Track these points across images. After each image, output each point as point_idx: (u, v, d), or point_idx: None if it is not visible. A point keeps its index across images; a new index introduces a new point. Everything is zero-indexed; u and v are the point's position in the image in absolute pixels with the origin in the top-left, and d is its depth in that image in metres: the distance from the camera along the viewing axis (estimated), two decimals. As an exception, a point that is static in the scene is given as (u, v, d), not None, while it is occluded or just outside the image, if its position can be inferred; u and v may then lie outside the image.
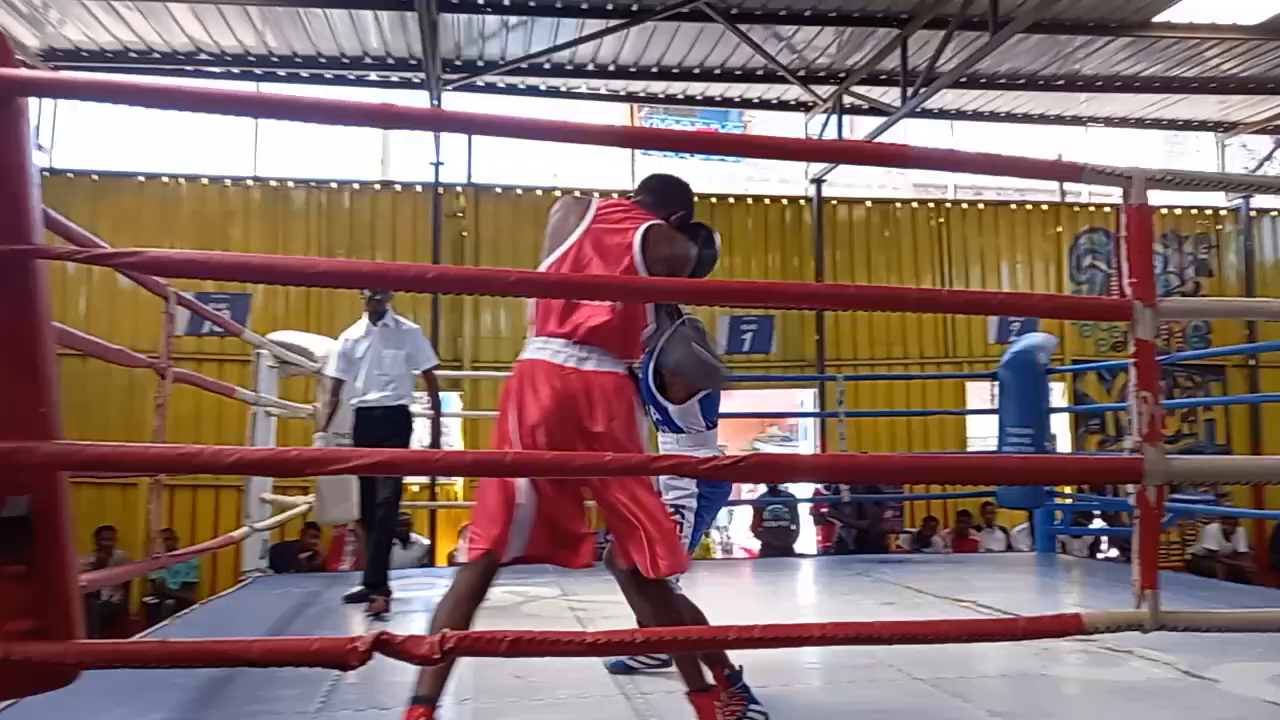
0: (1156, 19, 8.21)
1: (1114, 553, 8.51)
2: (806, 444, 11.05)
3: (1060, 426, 9.94)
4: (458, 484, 9.57)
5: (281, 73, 9.12)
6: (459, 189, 9.77)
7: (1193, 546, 9.82)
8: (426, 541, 8.71)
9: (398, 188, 9.79)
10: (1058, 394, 9.47)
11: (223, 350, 8.99)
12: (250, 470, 2.03)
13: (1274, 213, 11.43)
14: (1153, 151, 11.86)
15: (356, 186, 9.70)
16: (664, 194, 2.60)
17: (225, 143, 9.86)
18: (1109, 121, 10.81)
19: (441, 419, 4.96)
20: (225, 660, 1.66)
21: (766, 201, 10.51)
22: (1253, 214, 11.22)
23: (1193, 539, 9.94)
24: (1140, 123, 10.90)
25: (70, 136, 9.57)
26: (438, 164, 9.46)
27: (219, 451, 1.62)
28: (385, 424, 4.66)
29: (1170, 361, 10.05)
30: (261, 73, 9.07)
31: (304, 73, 9.14)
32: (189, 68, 8.98)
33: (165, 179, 9.41)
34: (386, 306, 4.81)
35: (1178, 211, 11.21)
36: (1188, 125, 11.13)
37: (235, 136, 9.72)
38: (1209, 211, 11.27)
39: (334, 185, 9.63)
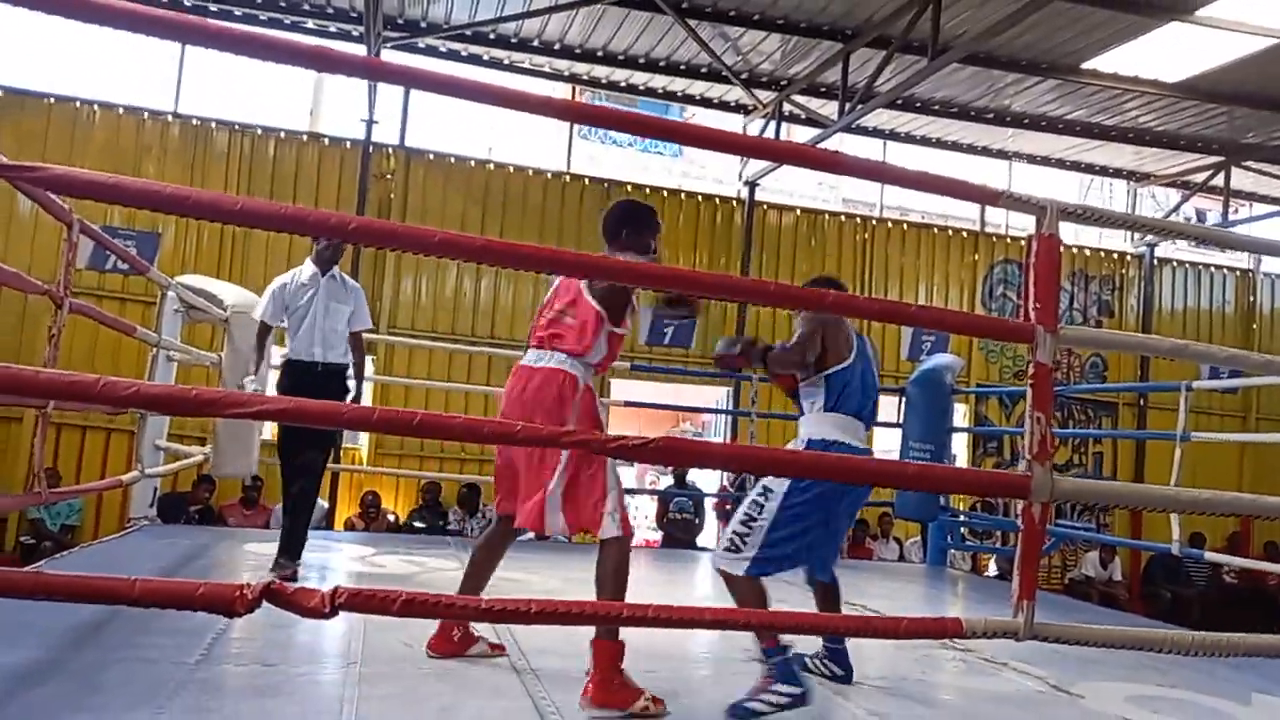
0: (1085, 65, 8.54)
1: (995, 571, 8.87)
2: (718, 441, 11.18)
3: (960, 446, 10.34)
4: (363, 448, 9.41)
5: (213, 8, 8.76)
6: (390, 150, 9.56)
7: (1072, 572, 10.31)
8: (325, 504, 8.52)
9: (326, 141, 9.52)
10: (960, 415, 9.82)
11: (126, 290, 8.63)
12: (147, 405, 1.95)
13: (1174, 263, 12.05)
14: (1069, 193, 12.35)
15: (282, 135, 9.39)
16: (610, 226, 2.99)
17: (146, 73, 9.44)
18: (1031, 159, 11.22)
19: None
20: (102, 596, 1.61)
21: (699, 199, 10.59)
22: (1155, 262, 11.81)
23: (1073, 564, 10.43)
24: (1061, 163, 11.34)
25: (-24, 47, 9.05)
26: (370, 121, 9.24)
27: (114, 382, 1.56)
28: (326, 383, 4.33)
29: (1067, 394, 10.53)
30: (191, 4, 8.69)
31: (237, 10, 8.78)
32: (116, -8, 8.56)
33: (77, 104, 8.94)
34: (339, 256, 4.52)
35: (1087, 252, 11.72)
36: (1104, 171, 11.63)
37: (157, 67, 9.31)
38: (1115, 255, 11.81)
39: (259, 131, 9.31)
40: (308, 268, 4.46)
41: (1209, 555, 5.38)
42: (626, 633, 2.59)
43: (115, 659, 2.74)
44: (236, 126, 9.27)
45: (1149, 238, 11.59)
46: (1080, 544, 9.79)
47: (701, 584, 5.55)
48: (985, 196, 2.17)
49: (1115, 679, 3.51)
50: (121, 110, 9.05)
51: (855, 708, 2.85)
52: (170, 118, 9.15)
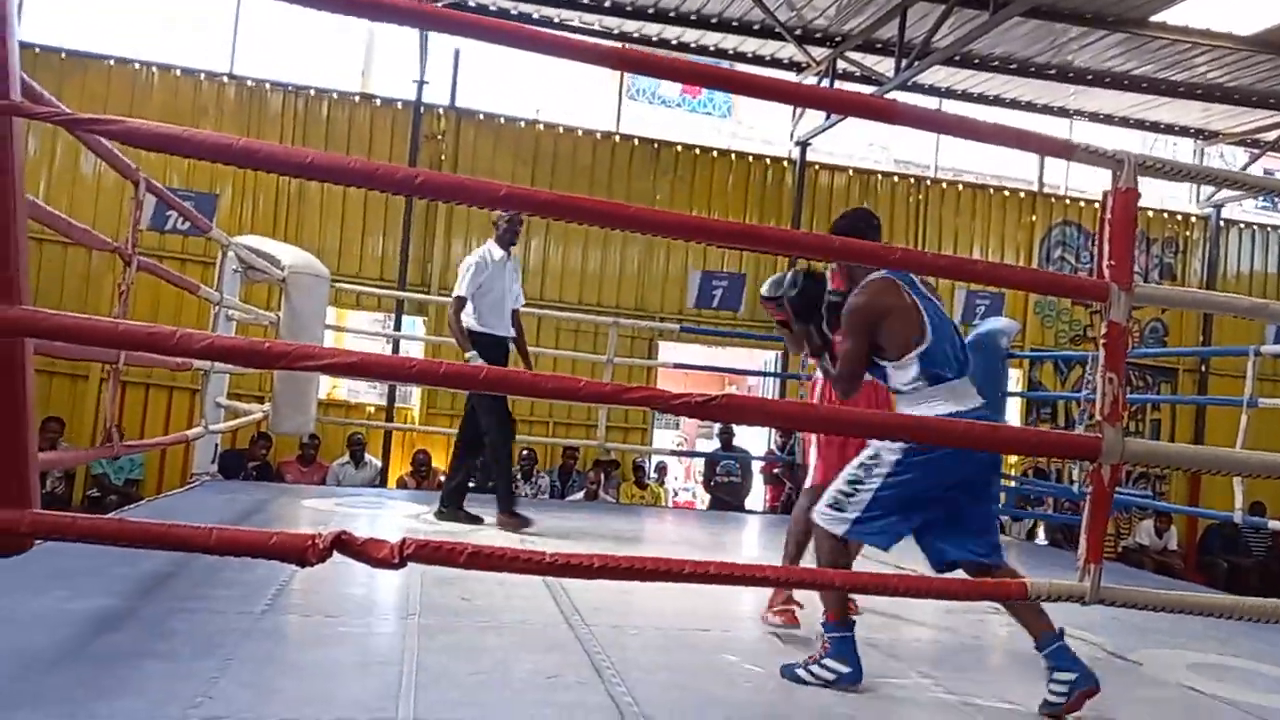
0: (1153, 18, 8.22)
1: (1044, 539, 8.75)
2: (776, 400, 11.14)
3: (1013, 411, 10.16)
4: (414, 408, 9.54)
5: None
6: (440, 110, 9.57)
7: (1126, 540, 10.14)
8: (379, 463, 8.69)
9: (378, 102, 9.55)
10: (1014, 380, 9.66)
11: (185, 250, 8.79)
12: (221, 356, 1.98)
13: (1241, 225, 11.65)
14: (1132, 150, 11.96)
15: (335, 96, 9.44)
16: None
17: (202, 35, 9.52)
18: (1094, 117, 10.87)
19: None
20: (180, 544, 1.65)
21: (750, 159, 10.45)
22: (1221, 224, 11.42)
23: (1127, 532, 10.25)
24: (1125, 121, 10.97)
25: (39, 7, 9.18)
26: (421, 81, 9.25)
27: (190, 334, 1.59)
28: (505, 355, 4.86)
29: (1132, 358, 10.28)
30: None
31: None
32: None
33: (136, 65, 9.07)
34: (515, 241, 4.95)
35: (1150, 214, 11.36)
36: (1170, 129, 11.22)
37: (212, 29, 9.39)
38: (1179, 217, 11.44)
39: (312, 92, 9.37)
40: (495, 249, 4.89)
41: (1273, 524, 5.24)
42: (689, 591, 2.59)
43: (183, 608, 2.83)
44: (290, 87, 9.34)
45: (1217, 197, 11.20)
46: (1135, 511, 9.61)
47: (748, 545, 5.57)
48: (1059, 149, 2.10)
49: (1174, 646, 3.45)
50: (179, 72, 9.16)
51: (908, 668, 2.85)
52: (226, 79, 9.24)
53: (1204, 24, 8.29)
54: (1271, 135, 10.55)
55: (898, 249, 2.05)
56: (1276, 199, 11.93)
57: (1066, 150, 2.09)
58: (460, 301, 4.79)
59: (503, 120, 9.74)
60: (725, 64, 10.89)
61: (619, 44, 10.16)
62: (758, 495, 9.37)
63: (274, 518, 4.86)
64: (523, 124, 9.79)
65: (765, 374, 10.54)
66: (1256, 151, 11.05)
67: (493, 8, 9.22)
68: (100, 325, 1.55)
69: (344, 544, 1.69)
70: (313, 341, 5.50)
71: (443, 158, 9.42)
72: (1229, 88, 9.82)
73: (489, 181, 1.75)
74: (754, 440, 9.64)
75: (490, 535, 4.65)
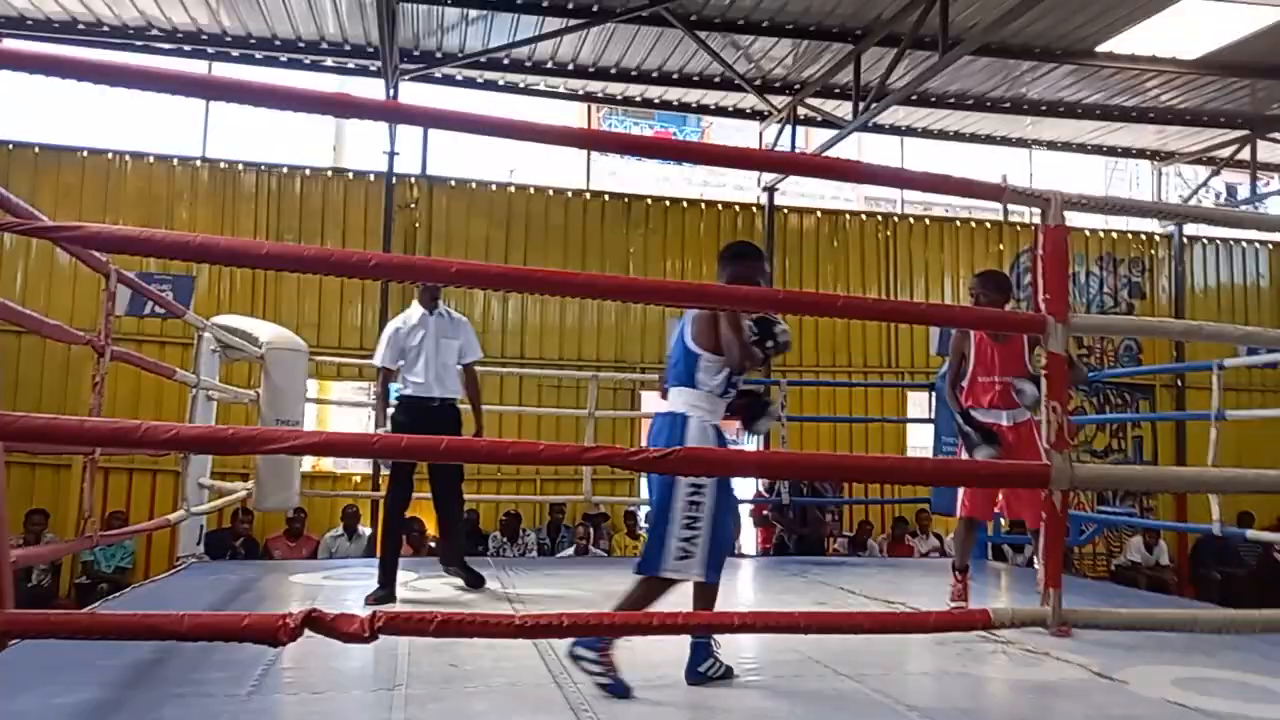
0: (1099, 48, 8.49)
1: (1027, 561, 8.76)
2: (751, 448, 11.18)
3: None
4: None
5: (234, 53, 9.00)
6: (413, 180, 9.73)
7: (1118, 558, 10.16)
8: (369, 530, 8.65)
9: (350, 175, 9.71)
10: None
11: (163, 333, 8.85)
12: (187, 447, 2.02)
13: (1204, 240, 11.87)
14: (1093, 176, 12.26)
15: (308, 172, 9.60)
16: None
17: (173, 121, 9.69)
18: (1052, 145, 11.14)
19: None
20: (154, 633, 1.68)
21: (719, 207, 10.64)
22: (1185, 241, 11.64)
23: (1118, 550, 10.28)
24: (1082, 148, 11.25)
25: (11, 106, 9.33)
26: (392, 154, 9.41)
27: (155, 427, 1.64)
28: (444, 418, 4.57)
29: (1102, 378, 10.40)
30: (214, 52, 8.94)
31: (258, 54, 9.03)
32: (139, 43, 8.81)
33: (110, 155, 9.22)
34: (439, 294, 4.80)
35: (1114, 235, 11.59)
36: (1126, 152, 11.51)
37: (184, 115, 9.56)
38: (1144, 236, 11.66)
39: (285, 170, 9.53)
40: (415, 309, 4.74)
41: (1251, 534, 5.29)
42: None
43: (172, 694, 2.83)
44: (263, 167, 9.49)
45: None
46: (1124, 529, 9.65)
47: (742, 590, 5.57)
48: (989, 192, 2.20)
49: (1161, 663, 3.46)
50: (152, 159, 9.30)
51: (896, 704, 2.86)
52: (199, 162, 9.39)
53: (1150, 50, 8.56)
54: (1226, 152, 10.81)
55: (840, 298, 2.13)
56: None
57: (997, 192, 2.18)
58: (384, 373, 4.69)
59: (474, 185, 9.91)
60: (691, 116, 11.16)
61: (585, 103, 10.42)
62: (748, 537, 9.36)
63: (262, 596, 4.85)
64: (494, 187, 9.95)
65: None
66: (1213, 168, 11.30)
67: (459, 77, 9.44)
68: (66, 425, 1.60)
69: (315, 621, 1.73)
70: (294, 416, 5.53)
71: (416, 225, 9.56)
72: (1180, 109, 10.10)
73: (439, 260, 1.83)
74: (743, 482, 9.65)
75: (470, 600, 4.66)
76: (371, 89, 8.98)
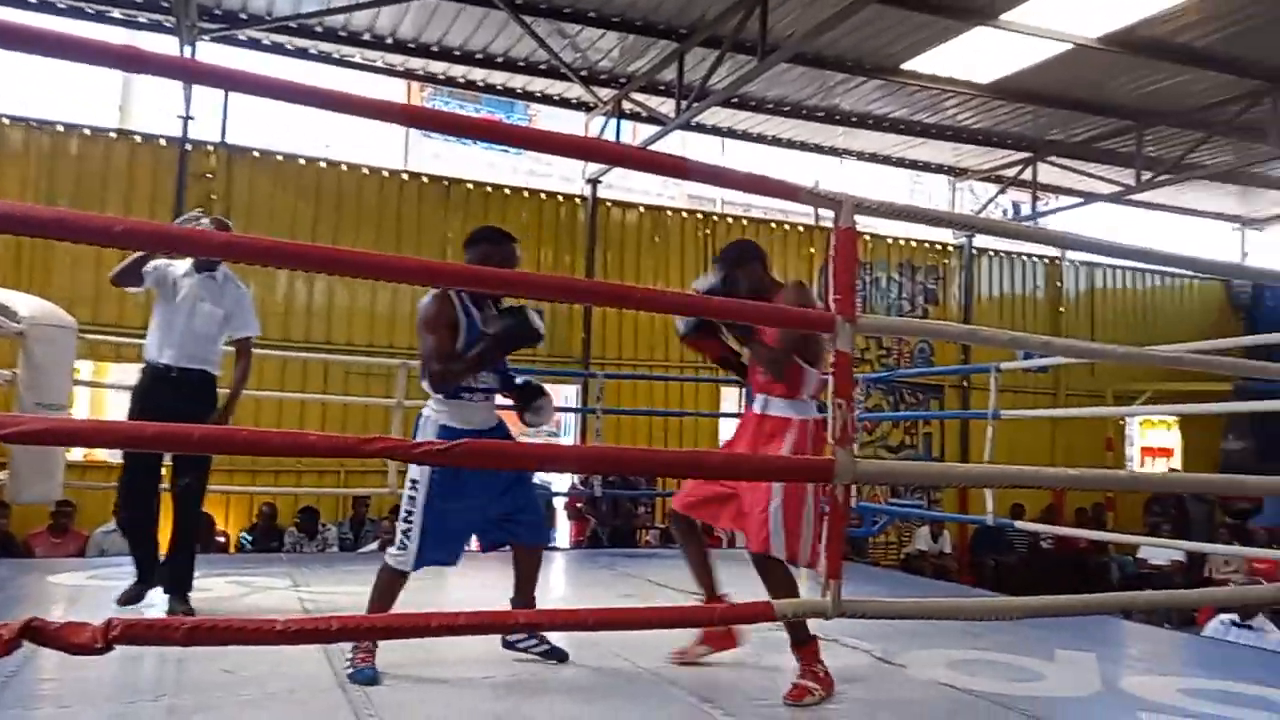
0: (904, 66, 8.99)
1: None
2: (568, 440, 11.17)
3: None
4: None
5: (6, -5, 8.05)
6: (210, 148, 9.04)
7: (908, 547, 10.87)
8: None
9: (138, 139, 8.90)
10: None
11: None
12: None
13: (991, 252, 12.87)
14: (899, 187, 12.98)
15: (88, 132, 8.71)
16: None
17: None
18: (861, 155, 11.73)
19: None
20: None
21: (542, 196, 10.53)
22: (974, 252, 12.58)
23: (908, 540, 10.99)
24: (888, 160, 11.91)
25: None
26: (186, 117, 8.70)
27: None
28: (191, 394, 3.86)
29: (895, 378, 11.08)
30: (-18, -8, 7.95)
31: (34, -1, 8.11)
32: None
33: None
34: (214, 265, 4.05)
35: (914, 244, 12.36)
36: (926, 167, 12.29)
37: (-59, 60, 8.49)
38: (939, 246, 12.50)
39: (60, 128, 8.61)
40: (180, 263, 4.02)
41: (1019, 524, 5.75)
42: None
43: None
44: (34, 123, 8.54)
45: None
46: (913, 521, 10.32)
47: (556, 586, 5.53)
48: (786, 192, 2.23)
49: (937, 647, 3.70)
50: (-101, 106, 8.18)
51: (689, 695, 2.89)
52: (-45, 114, 8.34)
53: (948, 72, 9.14)
54: (1012, 171, 11.76)
55: (639, 291, 2.10)
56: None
57: (794, 193, 2.22)
58: (120, 278, 3.99)
59: (281, 158, 9.31)
60: (519, 104, 10.97)
61: (406, 80, 10.02)
62: (563, 531, 9.35)
63: (14, 599, 4.36)
64: (303, 161, 9.41)
65: (566, 409, 10.58)
66: (1000, 186, 12.26)
67: (266, 42, 8.85)
68: None
69: (35, 631, 1.52)
70: (58, 400, 5.01)
71: (213, 197, 8.87)
72: (975, 129, 10.88)
73: (204, 231, 1.65)
74: (558, 474, 9.61)
75: (256, 601, 4.37)
76: (165, 47, 8.24)
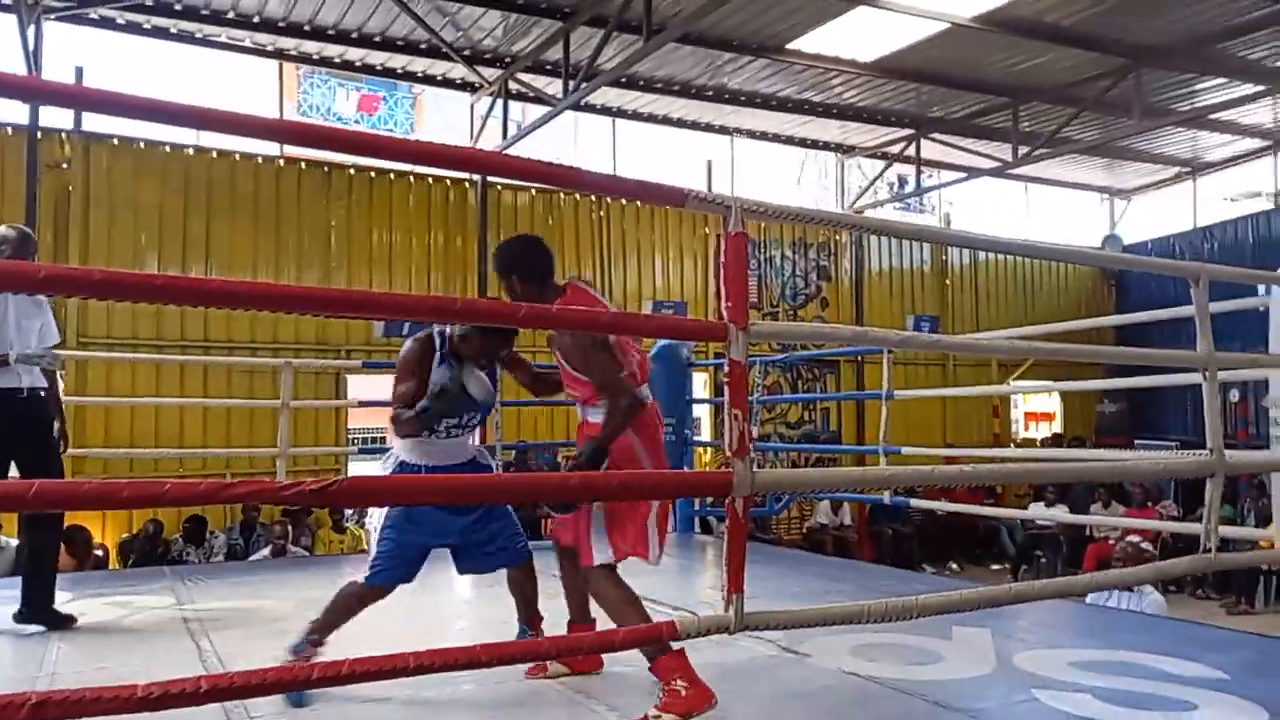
0: (790, 45, 9.04)
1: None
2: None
3: (704, 413, 10.74)
4: (59, 478, 8.31)
5: None
6: (64, 135, 8.40)
7: (809, 520, 11.09)
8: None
9: (-18, 127, 8.23)
10: (700, 385, 10.18)
11: None
12: None
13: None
14: (789, 165, 13.10)
15: (-81, 118, 8.01)
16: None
17: None
18: (751, 134, 11.78)
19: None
20: None
21: (430, 180, 10.21)
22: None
23: (809, 513, 11.21)
24: (778, 138, 12.00)
25: None
26: (35, 104, 8.06)
27: None
28: (31, 413, 3.75)
29: (793, 359, 11.23)
30: None
31: None
32: None
33: None
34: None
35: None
36: (815, 144, 12.44)
37: None
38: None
39: (-113, 116, 7.89)
40: None
41: (915, 503, 5.88)
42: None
43: None
44: None
45: (858, 204, 12.60)
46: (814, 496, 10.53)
47: (461, 588, 5.37)
48: (675, 197, 2.15)
49: (839, 633, 3.71)
50: None
51: (596, 704, 2.82)
52: None
53: (834, 51, 9.24)
54: (897, 148, 12.01)
55: (521, 308, 1.98)
56: (909, 203, 13.61)
57: (680, 198, 2.14)
58: None
59: (143, 145, 8.71)
60: (399, 84, 10.59)
61: (278, 60, 9.51)
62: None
63: None
64: (168, 148, 8.83)
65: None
66: (886, 162, 12.51)
67: (120, 20, 8.25)
68: None
69: None
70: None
71: (70, 188, 8.26)
72: (860, 107, 11.05)
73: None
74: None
75: (137, 621, 4.10)
76: (4, 28, 7.60)
